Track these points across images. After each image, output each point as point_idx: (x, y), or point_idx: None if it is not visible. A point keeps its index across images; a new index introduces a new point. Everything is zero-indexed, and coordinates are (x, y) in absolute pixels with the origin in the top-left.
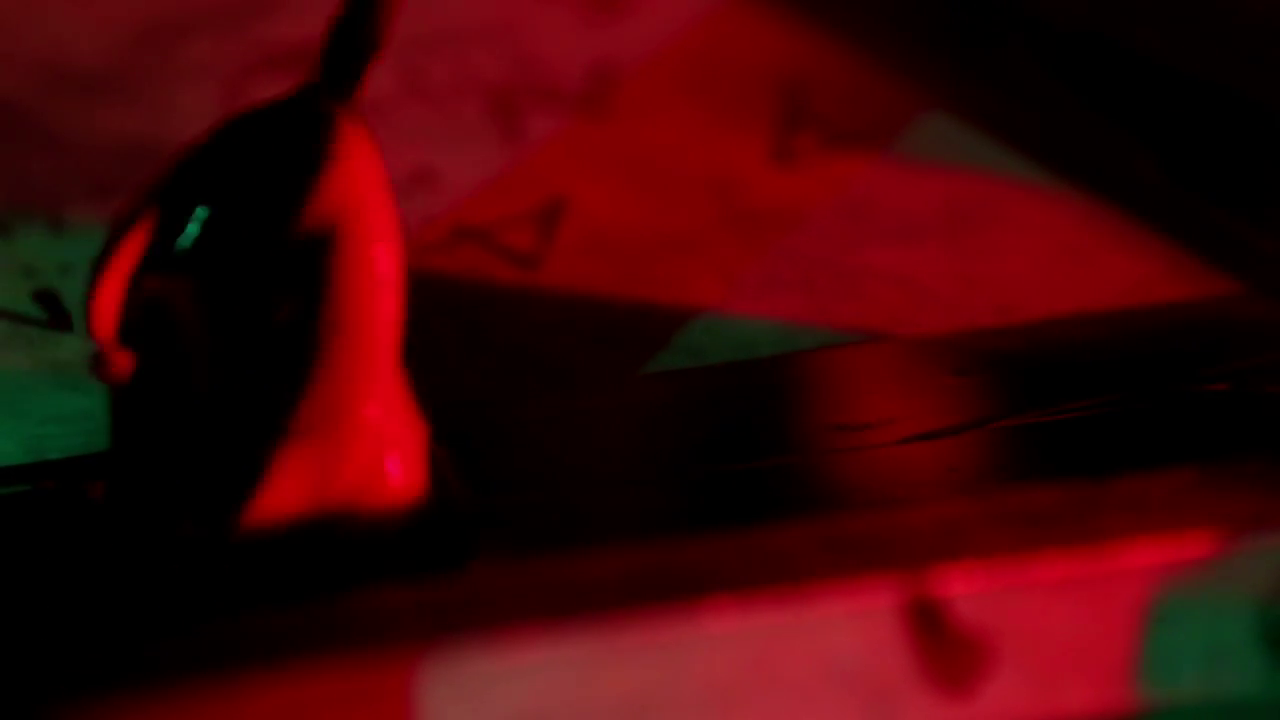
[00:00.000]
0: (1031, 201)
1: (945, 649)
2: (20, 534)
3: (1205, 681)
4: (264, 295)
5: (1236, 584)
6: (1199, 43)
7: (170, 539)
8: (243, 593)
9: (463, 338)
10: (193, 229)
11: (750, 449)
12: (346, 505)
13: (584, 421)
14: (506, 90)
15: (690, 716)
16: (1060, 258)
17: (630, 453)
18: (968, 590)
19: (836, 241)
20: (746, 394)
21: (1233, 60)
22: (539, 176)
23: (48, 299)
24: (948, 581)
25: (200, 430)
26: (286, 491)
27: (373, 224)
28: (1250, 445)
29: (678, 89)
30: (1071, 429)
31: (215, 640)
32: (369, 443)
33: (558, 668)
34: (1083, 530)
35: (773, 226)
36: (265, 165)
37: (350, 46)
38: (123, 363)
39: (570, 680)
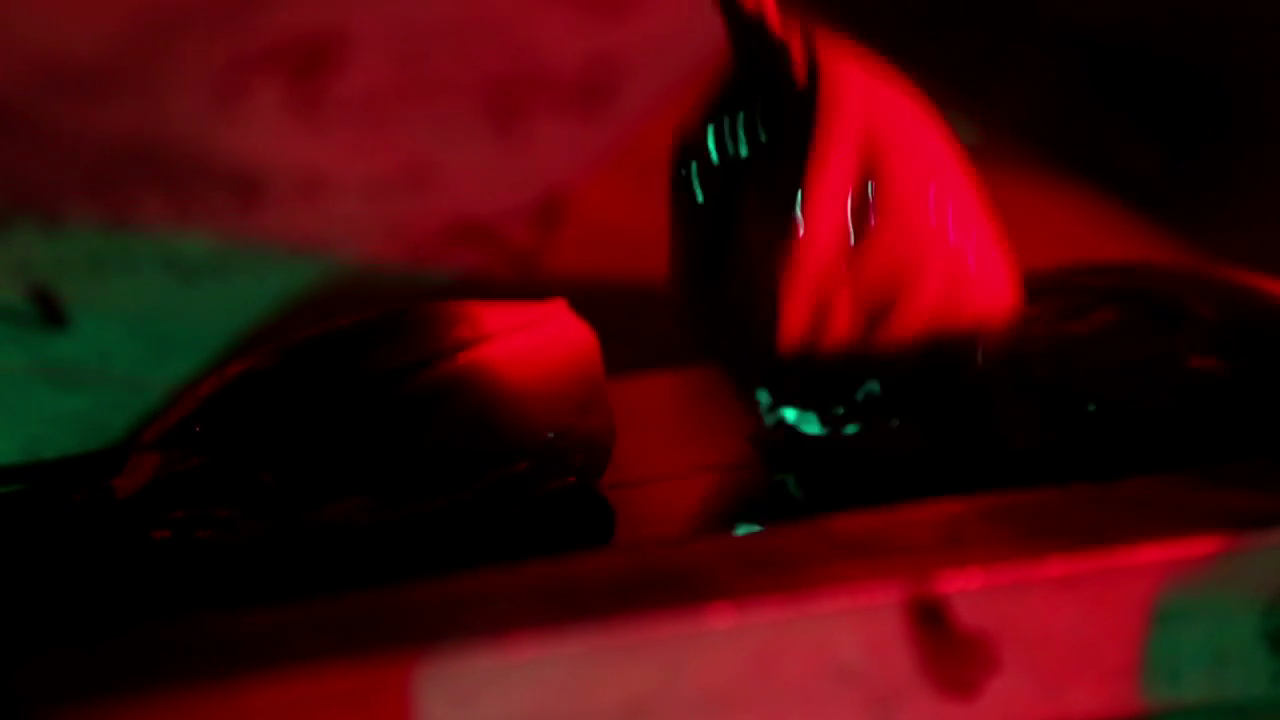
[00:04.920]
0: (1038, 195)
1: (947, 649)
2: (17, 533)
3: (1209, 682)
4: None
5: (1241, 584)
6: (1202, 36)
7: (184, 540)
8: (244, 592)
9: None
10: None
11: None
12: None
13: None
14: (506, 85)
15: (690, 716)
16: (1066, 251)
17: (633, 449)
18: (969, 590)
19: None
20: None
21: (1235, 53)
22: (538, 172)
23: (42, 297)
24: (949, 581)
25: None
26: None
27: None
28: (1255, 444)
29: (678, 83)
30: (1074, 425)
31: (214, 639)
32: None
33: (556, 667)
34: (1086, 530)
35: None
36: None
37: None
38: None
39: (569, 680)
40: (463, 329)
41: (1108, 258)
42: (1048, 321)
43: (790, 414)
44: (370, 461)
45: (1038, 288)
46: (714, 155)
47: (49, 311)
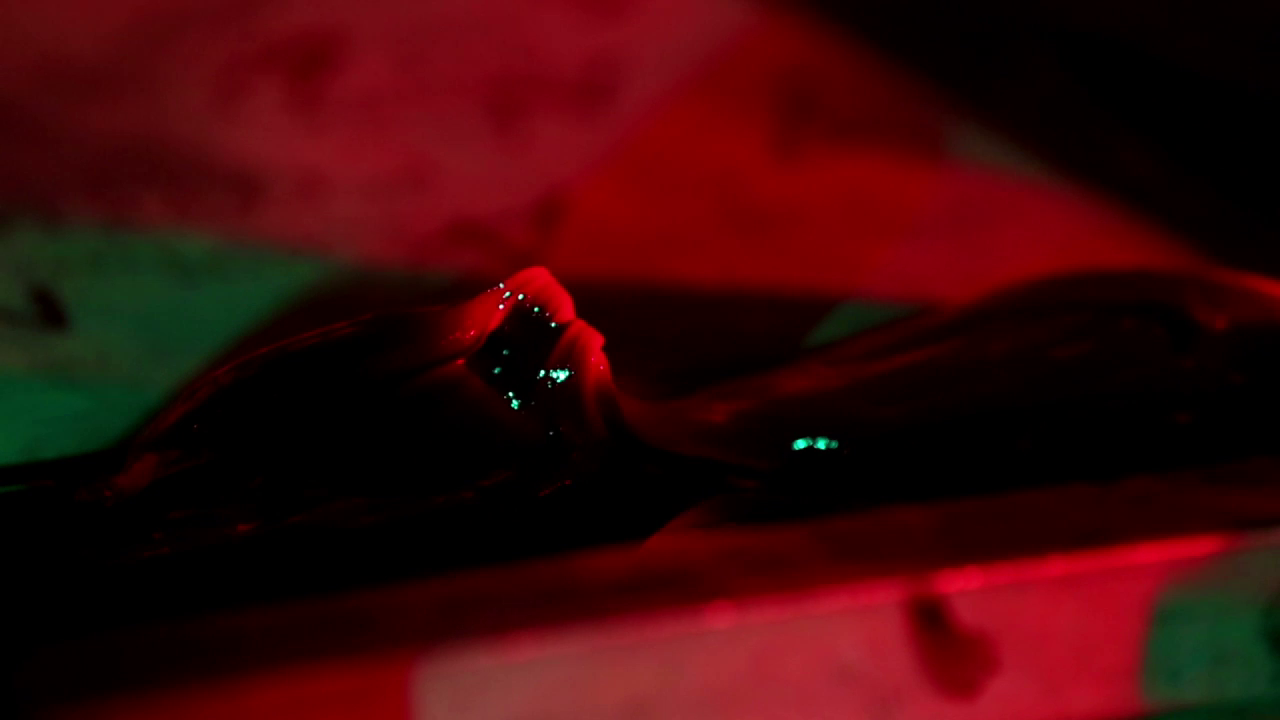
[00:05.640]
0: (1036, 199)
1: (947, 649)
2: (17, 533)
3: (1209, 682)
4: None
5: (1241, 584)
6: (1203, 38)
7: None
8: (241, 593)
9: None
10: None
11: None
12: None
13: None
14: (506, 85)
15: (690, 716)
16: (1064, 256)
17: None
18: (969, 590)
19: (838, 239)
20: None
21: (1237, 54)
22: (538, 172)
23: (42, 297)
24: (949, 581)
25: None
26: None
27: None
28: (1256, 444)
29: (679, 84)
30: (1074, 427)
31: (214, 639)
32: None
33: (556, 667)
34: (1086, 530)
35: (774, 223)
36: None
37: None
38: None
39: (569, 680)
40: (460, 334)
41: (1108, 263)
42: (1053, 344)
43: None
44: (368, 462)
45: (1040, 306)
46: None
47: (49, 311)
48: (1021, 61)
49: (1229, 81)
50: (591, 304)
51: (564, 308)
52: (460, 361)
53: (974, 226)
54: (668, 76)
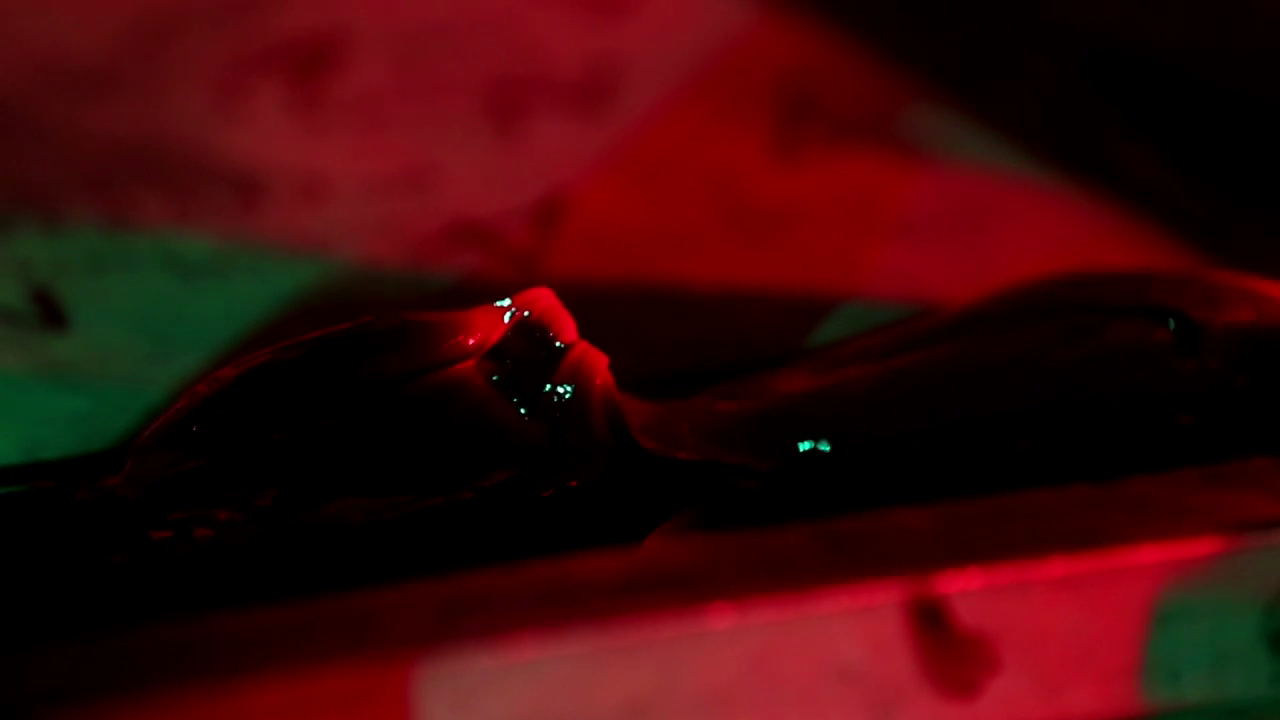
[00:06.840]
0: (1036, 199)
1: (947, 649)
2: (17, 534)
3: (1209, 682)
4: None
5: (1241, 584)
6: (1205, 38)
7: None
8: (238, 592)
9: None
10: None
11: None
12: None
13: None
14: (506, 85)
15: (690, 717)
16: (1064, 256)
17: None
18: (969, 590)
19: (838, 239)
20: None
21: (1238, 56)
22: (538, 172)
23: (42, 297)
24: (949, 581)
25: None
26: None
27: None
28: (1257, 444)
29: (679, 84)
30: (1075, 428)
31: (214, 639)
32: None
33: (556, 668)
34: (1086, 530)
35: (774, 224)
36: None
37: None
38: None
39: (569, 680)
40: (463, 338)
41: (1108, 263)
42: (1054, 345)
43: None
44: (369, 463)
45: (1040, 307)
46: None
47: (49, 311)
48: (1021, 61)
49: (1230, 82)
50: (592, 305)
51: (567, 329)
52: (463, 365)
53: (974, 226)
54: (668, 77)
